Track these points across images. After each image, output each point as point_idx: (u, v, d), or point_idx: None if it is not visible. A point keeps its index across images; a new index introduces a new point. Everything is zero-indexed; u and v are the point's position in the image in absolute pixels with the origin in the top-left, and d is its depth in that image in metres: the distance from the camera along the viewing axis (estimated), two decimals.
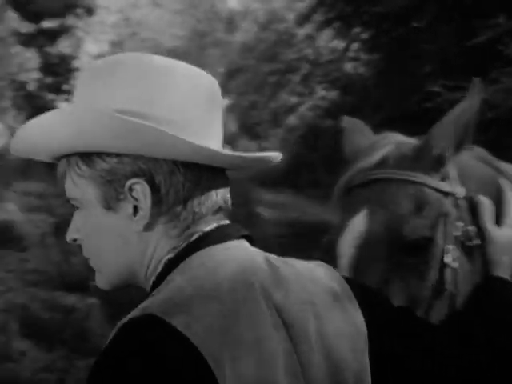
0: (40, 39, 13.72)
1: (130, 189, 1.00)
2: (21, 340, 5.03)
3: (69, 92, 13.21)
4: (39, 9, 13.66)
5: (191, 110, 1.03)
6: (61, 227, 8.42)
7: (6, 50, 17.23)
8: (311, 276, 1.07)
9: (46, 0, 13.57)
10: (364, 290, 1.13)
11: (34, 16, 13.73)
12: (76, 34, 15.34)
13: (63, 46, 14.35)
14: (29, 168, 10.82)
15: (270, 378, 0.93)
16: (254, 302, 0.97)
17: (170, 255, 1.03)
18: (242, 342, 0.92)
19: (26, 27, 14.00)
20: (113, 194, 1.01)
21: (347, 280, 1.11)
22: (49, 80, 13.21)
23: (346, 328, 1.04)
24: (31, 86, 13.15)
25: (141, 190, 1.00)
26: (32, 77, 13.63)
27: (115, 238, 1.04)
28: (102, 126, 0.96)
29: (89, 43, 18.43)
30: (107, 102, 0.99)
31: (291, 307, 1.00)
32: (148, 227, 1.02)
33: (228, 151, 1.07)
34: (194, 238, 1.03)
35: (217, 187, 1.06)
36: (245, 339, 0.93)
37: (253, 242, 1.11)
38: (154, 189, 1.00)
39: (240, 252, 1.04)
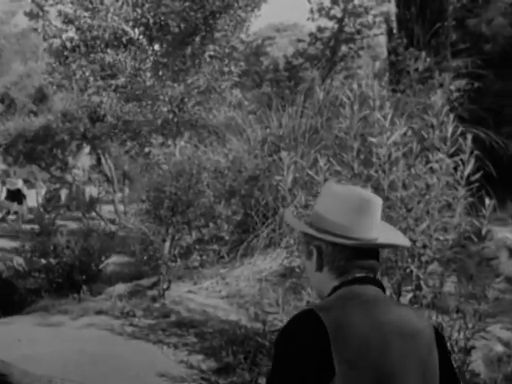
0: None
1: (313, 251, 2.09)
2: None
3: None
4: None
5: (344, 216, 2.05)
6: None
7: None
8: (404, 310, 2.09)
9: None
10: (438, 331, 2.12)
11: None
12: None
13: None
14: None
15: (365, 353, 1.88)
16: (367, 318, 1.92)
17: (335, 284, 2.04)
18: (351, 330, 1.88)
19: None
20: (307, 252, 2.11)
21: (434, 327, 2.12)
22: None
23: (423, 353, 2.01)
24: None
25: (314, 252, 2.08)
26: None
27: (311, 274, 2.13)
28: (293, 222, 2.26)
29: None
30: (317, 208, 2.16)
31: (392, 336, 1.94)
32: (319, 270, 2.08)
33: (365, 236, 2.05)
34: (348, 278, 2.03)
35: (358, 256, 2.04)
36: (355, 338, 1.88)
37: (381, 285, 2.08)
38: (320, 252, 2.07)
39: (367, 290, 2.01)
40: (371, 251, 2.06)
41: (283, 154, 5.49)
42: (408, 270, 5.10)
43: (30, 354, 6.44)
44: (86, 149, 27.15)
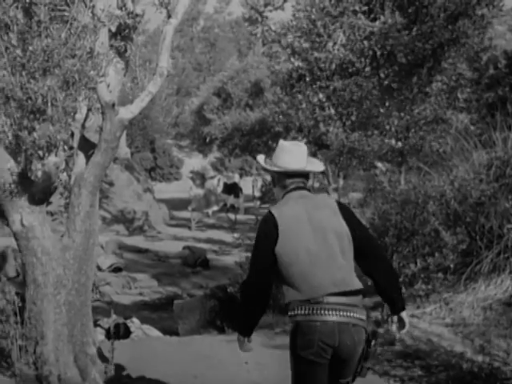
0: None
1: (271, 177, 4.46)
2: None
3: None
4: None
5: (285, 158, 4.29)
6: None
7: None
8: (319, 198, 4.36)
9: None
10: (341, 203, 4.32)
11: None
12: None
13: None
14: None
15: (298, 228, 4.11)
16: (299, 207, 4.18)
17: (282, 194, 4.31)
18: (290, 218, 4.13)
19: None
20: (271, 179, 4.45)
21: (337, 200, 4.36)
22: None
23: (330, 215, 4.18)
24: None
25: (271, 177, 4.44)
26: None
27: (273, 189, 4.45)
28: (261, 162, 4.44)
29: None
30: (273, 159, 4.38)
31: (312, 210, 4.16)
32: (274, 186, 4.40)
33: (289, 167, 4.27)
34: (287, 189, 4.29)
35: (290, 177, 4.27)
36: (291, 217, 4.13)
37: (308, 189, 4.29)
38: (273, 177, 4.38)
39: (296, 193, 4.26)
40: (298, 174, 4.29)
41: None
42: None
43: (258, 379, 6.79)
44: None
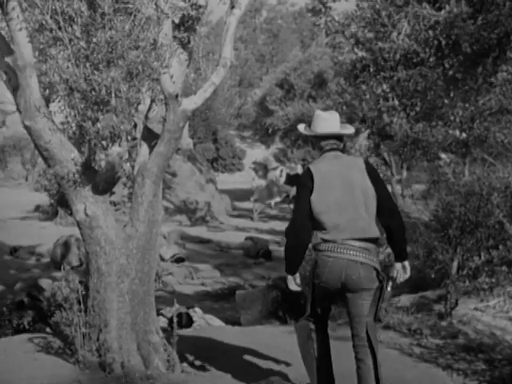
0: None
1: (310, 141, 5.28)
2: None
3: None
4: None
5: (321, 124, 5.07)
6: None
7: None
8: (349, 158, 5.20)
9: None
10: (368, 164, 5.02)
11: None
12: None
13: None
14: None
15: (331, 183, 4.92)
16: (332, 165, 4.97)
17: (319, 155, 5.09)
18: (324, 174, 4.94)
19: None
20: (310, 143, 5.23)
21: (365, 161, 5.06)
22: None
23: (358, 174, 4.94)
24: None
25: (309, 141, 5.22)
26: None
27: (312, 151, 5.27)
28: (301, 130, 5.24)
29: None
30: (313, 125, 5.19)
31: (343, 169, 4.99)
32: (312, 149, 5.14)
33: (324, 131, 5.06)
34: (324, 150, 5.06)
35: (325, 140, 5.05)
36: (325, 173, 4.94)
37: (341, 150, 5.07)
38: (312, 141, 5.15)
39: (331, 153, 5.04)
40: (332, 137, 5.01)
41: None
42: None
43: None
44: (365, 133, 27.98)
